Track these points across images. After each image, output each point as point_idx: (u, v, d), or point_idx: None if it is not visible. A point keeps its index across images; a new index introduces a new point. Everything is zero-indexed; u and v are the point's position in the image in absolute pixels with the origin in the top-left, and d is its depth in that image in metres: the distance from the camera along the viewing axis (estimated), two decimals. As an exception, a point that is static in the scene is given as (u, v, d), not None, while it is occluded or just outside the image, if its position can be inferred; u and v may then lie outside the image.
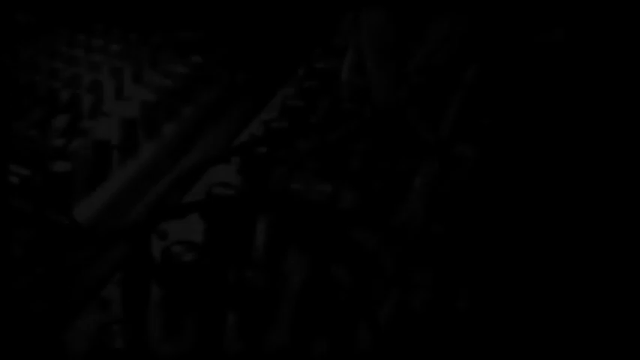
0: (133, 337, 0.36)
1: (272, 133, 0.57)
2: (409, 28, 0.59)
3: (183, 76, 0.71)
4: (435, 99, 0.50)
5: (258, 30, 0.81)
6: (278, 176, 0.43)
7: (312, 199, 0.46)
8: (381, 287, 0.42)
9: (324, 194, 0.48)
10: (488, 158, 0.37)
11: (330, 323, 0.39)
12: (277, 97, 0.68)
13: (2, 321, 0.33)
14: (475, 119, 0.46)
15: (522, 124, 0.47)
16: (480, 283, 0.40)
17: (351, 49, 0.63)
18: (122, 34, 0.77)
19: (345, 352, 0.39)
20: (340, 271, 0.41)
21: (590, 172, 0.55)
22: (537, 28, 0.52)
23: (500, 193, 0.43)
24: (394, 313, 0.40)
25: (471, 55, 0.48)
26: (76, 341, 0.38)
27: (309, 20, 0.77)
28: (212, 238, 0.48)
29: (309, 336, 0.39)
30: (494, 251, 0.43)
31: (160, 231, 0.48)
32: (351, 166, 0.57)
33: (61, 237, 0.50)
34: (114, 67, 0.70)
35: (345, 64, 0.64)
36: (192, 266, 0.42)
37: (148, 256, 0.41)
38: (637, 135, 0.55)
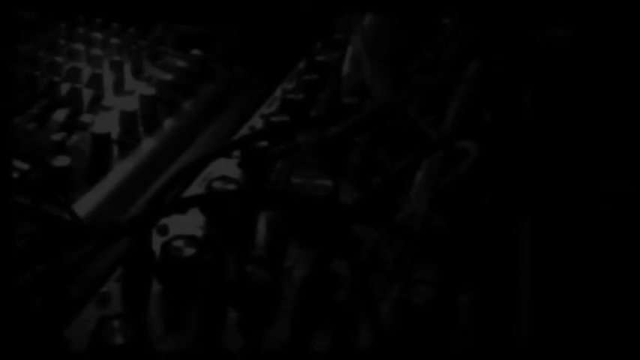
0: (133, 333, 0.36)
1: (272, 126, 0.57)
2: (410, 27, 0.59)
3: (183, 70, 0.71)
4: (437, 94, 0.50)
5: (258, 23, 0.81)
6: (279, 170, 0.43)
7: (313, 193, 0.46)
8: (382, 283, 0.42)
9: (325, 189, 0.48)
10: (491, 154, 0.37)
11: (331, 319, 0.39)
12: (277, 91, 0.68)
13: (2, 317, 0.33)
14: (477, 115, 0.46)
15: (525, 120, 0.47)
16: (483, 279, 0.40)
17: (352, 42, 0.63)
18: (122, 28, 0.76)
19: (346, 348, 0.39)
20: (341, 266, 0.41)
21: (592, 166, 0.55)
22: (542, 25, 0.52)
23: (503, 188, 0.43)
24: (396, 309, 0.40)
25: (475, 51, 0.48)
26: (76, 337, 0.37)
27: (309, 14, 0.77)
28: (212, 233, 0.48)
29: (311, 332, 0.39)
30: (496, 247, 0.43)
31: (160, 226, 0.48)
32: (352, 161, 0.57)
33: (60, 232, 0.50)
34: (114, 61, 0.70)
35: (346, 57, 0.63)
36: (193, 261, 0.42)
37: (148, 252, 0.40)
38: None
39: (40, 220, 0.50)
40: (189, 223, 0.49)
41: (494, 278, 0.44)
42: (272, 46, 0.79)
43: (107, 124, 0.61)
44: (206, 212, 0.49)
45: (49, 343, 0.35)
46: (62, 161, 0.54)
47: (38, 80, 0.66)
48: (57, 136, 0.58)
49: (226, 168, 0.55)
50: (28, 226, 0.49)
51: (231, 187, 0.48)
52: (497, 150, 0.43)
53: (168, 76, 0.69)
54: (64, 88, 0.65)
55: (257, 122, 0.63)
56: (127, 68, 0.72)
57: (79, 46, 0.72)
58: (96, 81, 0.67)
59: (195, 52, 0.74)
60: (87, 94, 0.66)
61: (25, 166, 0.54)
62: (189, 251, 0.42)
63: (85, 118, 0.62)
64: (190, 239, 0.43)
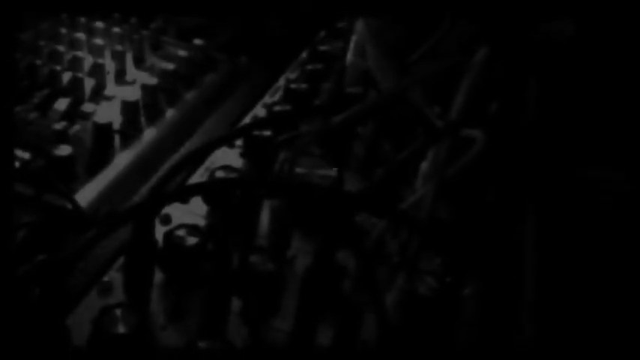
0: (135, 322, 0.36)
1: (275, 116, 0.57)
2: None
3: (186, 60, 0.71)
4: (443, 83, 0.50)
5: (261, 12, 0.80)
6: (282, 160, 0.42)
7: (316, 183, 0.46)
8: (387, 274, 0.42)
9: (328, 179, 0.48)
10: (497, 143, 0.37)
11: (335, 309, 0.39)
12: (280, 81, 0.68)
13: (4, 307, 0.33)
14: (483, 103, 0.45)
15: (532, 109, 0.46)
16: (488, 270, 0.39)
17: (355, 31, 0.62)
18: (123, 17, 0.76)
19: (350, 339, 0.39)
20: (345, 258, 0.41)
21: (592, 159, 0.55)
22: (547, 17, 0.52)
23: (509, 178, 0.42)
24: (401, 300, 0.39)
25: (480, 40, 0.47)
26: (79, 326, 0.37)
27: (312, 3, 0.76)
28: (215, 222, 0.47)
29: (314, 322, 0.39)
30: (502, 237, 0.42)
31: (163, 215, 0.48)
32: (356, 151, 0.57)
33: (62, 222, 0.50)
34: (115, 51, 0.69)
35: (349, 47, 0.63)
36: (196, 250, 0.42)
37: (151, 240, 0.40)
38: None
39: (42, 210, 0.49)
40: (192, 213, 0.49)
41: (499, 269, 0.44)
42: (274, 35, 0.78)
43: (109, 113, 0.61)
44: (209, 201, 0.48)
45: (51, 332, 0.35)
46: (64, 150, 0.54)
47: (39, 69, 0.65)
48: (58, 126, 0.58)
49: (229, 158, 0.55)
50: (29, 216, 0.49)
51: (234, 176, 0.48)
52: (504, 140, 0.42)
53: (170, 66, 0.69)
54: (66, 77, 0.65)
55: (260, 112, 0.62)
56: (129, 58, 0.71)
57: (81, 36, 0.71)
58: (98, 70, 0.67)
59: (198, 41, 0.74)
60: (88, 83, 0.66)
61: (26, 156, 0.54)
62: (192, 240, 0.41)
63: (87, 107, 0.62)
64: (193, 228, 0.42)
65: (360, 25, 0.60)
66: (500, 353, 0.41)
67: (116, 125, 0.60)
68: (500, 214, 0.46)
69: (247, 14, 0.79)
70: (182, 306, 0.42)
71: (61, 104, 0.62)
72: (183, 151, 0.60)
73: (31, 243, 0.47)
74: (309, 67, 0.65)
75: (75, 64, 0.67)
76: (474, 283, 0.42)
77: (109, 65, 0.68)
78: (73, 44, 0.71)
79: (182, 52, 0.71)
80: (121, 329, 0.36)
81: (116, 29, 0.74)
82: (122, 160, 0.57)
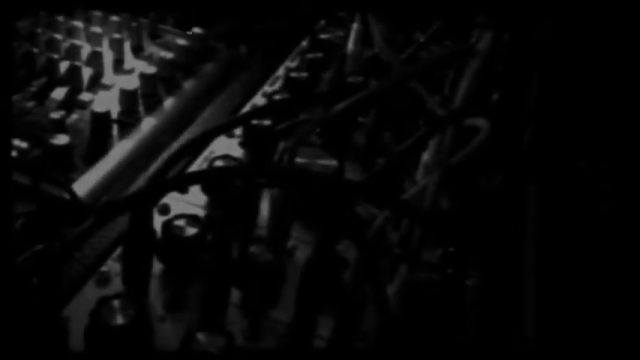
0: (133, 312, 0.36)
1: (275, 105, 0.56)
2: None
3: (184, 48, 0.70)
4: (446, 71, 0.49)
5: (261, 13, 0.79)
6: (282, 150, 0.42)
7: (317, 173, 0.45)
8: (388, 265, 0.41)
9: (329, 169, 0.47)
10: (501, 132, 0.36)
11: (335, 301, 0.38)
12: (280, 70, 0.67)
13: (1, 297, 0.32)
14: (487, 92, 0.45)
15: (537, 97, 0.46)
16: (490, 261, 0.39)
17: (356, 20, 0.61)
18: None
19: (350, 331, 0.38)
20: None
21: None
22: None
23: (513, 168, 0.42)
24: (402, 291, 0.39)
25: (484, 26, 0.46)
26: (76, 317, 0.37)
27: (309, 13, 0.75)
28: (214, 212, 0.47)
29: (314, 313, 0.38)
30: (505, 228, 0.42)
31: (162, 205, 0.47)
32: (357, 140, 0.56)
33: (59, 211, 0.49)
34: (114, 39, 0.69)
35: (350, 35, 0.62)
36: (195, 241, 0.41)
37: (149, 230, 0.39)
38: None
39: (39, 200, 0.49)
40: (191, 203, 0.48)
41: (500, 261, 0.43)
42: (274, 24, 0.78)
43: (107, 102, 0.60)
44: (208, 191, 0.48)
45: (48, 322, 0.34)
46: (61, 140, 0.53)
47: (37, 58, 0.65)
48: (56, 115, 0.57)
49: (228, 147, 0.54)
50: (26, 205, 0.48)
51: (233, 165, 0.47)
52: (507, 128, 0.42)
53: (169, 55, 0.68)
54: (64, 65, 0.64)
55: (259, 101, 0.62)
56: (127, 46, 0.70)
57: (79, 24, 0.71)
58: (95, 59, 0.66)
59: (197, 30, 0.73)
60: (86, 72, 0.65)
61: (23, 145, 0.53)
62: (191, 231, 0.41)
63: (85, 96, 0.61)
64: (192, 218, 0.42)
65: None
66: (500, 346, 0.40)
67: (114, 114, 0.60)
68: (501, 204, 0.46)
69: (246, 14, 0.78)
70: (181, 297, 0.41)
71: (59, 93, 0.61)
72: (181, 140, 0.60)
73: (28, 233, 0.46)
74: (310, 55, 0.64)
75: (73, 52, 0.66)
76: (476, 274, 0.42)
77: (107, 54, 0.68)
78: (71, 32, 0.70)
79: (181, 41, 0.70)
80: (119, 320, 0.35)
81: (114, 17, 0.73)
82: (120, 149, 0.57)
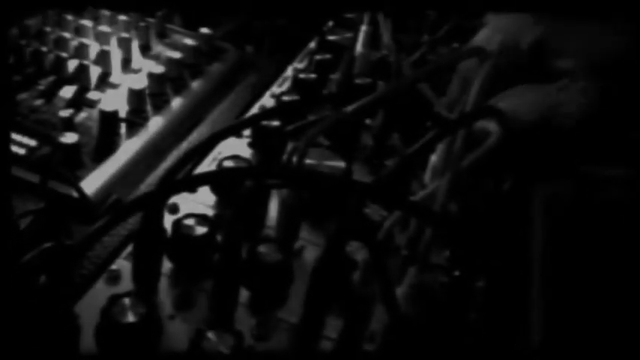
0: (143, 311, 0.36)
1: (283, 106, 0.56)
2: None
3: (192, 48, 0.70)
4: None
5: (269, 2, 0.79)
6: (292, 151, 0.42)
7: (326, 173, 0.45)
8: (397, 267, 0.42)
9: (337, 170, 0.48)
10: (513, 135, 0.36)
11: (343, 302, 0.39)
12: (288, 71, 0.67)
13: (12, 294, 0.33)
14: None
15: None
16: (499, 264, 0.39)
17: (365, 21, 0.62)
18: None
19: (358, 332, 0.38)
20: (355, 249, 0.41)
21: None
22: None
23: (524, 171, 0.42)
24: (411, 293, 0.39)
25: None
26: (86, 314, 0.37)
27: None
28: (224, 212, 0.47)
29: (323, 314, 0.39)
30: (514, 230, 0.42)
31: (171, 204, 0.47)
32: (365, 142, 0.56)
33: (67, 209, 0.49)
34: (122, 38, 0.69)
35: (358, 37, 0.62)
36: (204, 241, 0.41)
37: (159, 230, 0.40)
38: None
39: (47, 197, 0.49)
40: (200, 203, 0.49)
41: (507, 266, 0.43)
42: (282, 24, 0.78)
43: (115, 101, 0.60)
44: (217, 191, 0.48)
45: (59, 319, 0.34)
46: (70, 138, 0.53)
47: (45, 56, 0.65)
48: (64, 113, 0.57)
49: (236, 148, 0.54)
50: (34, 203, 0.48)
51: (242, 165, 0.47)
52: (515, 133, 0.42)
53: (177, 55, 0.68)
54: (72, 64, 0.64)
55: (268, 102, 0.62)
56: (135, 46, 0.71)
57: (87, 22, 0.71)
58: (104, 58, 0.66)
59: (204, 30, 0.73)
60: (94, 71, 0.65)
61: (32, 143, 0.54)
62: (201, 230, 0.41)
63: (93, 95, 0.61)
64: (202, 218, 0.42)
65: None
66: (506, 350, 0.40)
67: (122, 113, 0.60)
68: (508, 207, 0.46)
69: (254, 14, 0.78)
70: (190, 296, 0.41)
71: (67, 92, 0.61)
72: (189, 139, 0.60)
73: (37, 230, 0.47)
74: (318, 57, 0.65)
75: (81, 51, 0.66)
76: (483, 277, 0.42)
77: (115, 53, 0.68)
78: (80, 31, 0.70)
79: (188, 41, 0.71)
80: (129, 318, 0.35)
81: (122, 16, 0.73)
82: (128, 148, 0.57)
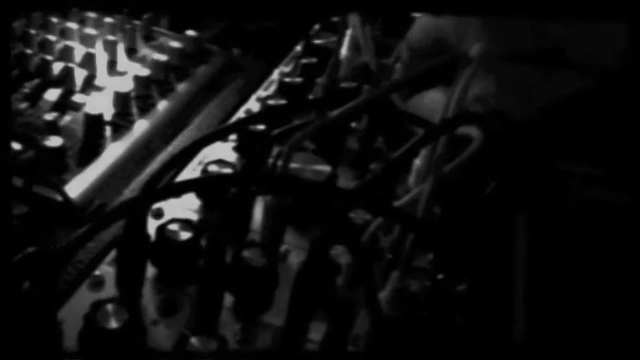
0: (127, 316, 0.36)
1: (269, 110, 0.56)
2: None
3: (178, 51, 0.70)
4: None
5: (254, 5, 0.79)
6: (276, 155, 0.42)
7: (310, 179, 0.45)
8: (380, 271, 0.42)
9: (322, 174, 0.48)
10: (495, 139, 0.37)
11: (328, 305, 0.39)
12: (274, 74, 0.67)
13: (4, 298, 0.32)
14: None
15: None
16: (482, 268, 0.39)
17: (351, 25, 0.62)
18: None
19: (342, 335, 0.39)
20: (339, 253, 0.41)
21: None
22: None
23: (506, 175, 0.42)
24: (393, 297, 0.39)
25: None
26: (69, 320, 0.37)
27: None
28: (208, 216, 0.47)
29: (307, 318, 0.39)
30: (497, 235, 0.42)
31: (155, 209, 0.47)
32: (350, 146, 0.56)
33: (52, 213, 0.49)
34: (107, 41, 0.69)
35: (344, 41, 0.62)
36: (188, 245, 0.41)
37: (143, 235, 0.40)
38: None
39: (31, 201, 0.49)
40: (184, 207, 0.49)
41: (490, 269, 0.44)
42: (268, 28, 0.78)
43: (100, 104, 0.60)
44: (202, 196, 0.48)
45: (42, 326, 0.34)
46: (54, 141, 0.53)
47: (30, 58, 0.65)
48: (49, 116, 0.57)
49: (222, 152, 0.54)
50: (18, 207, 0.48)
51: (227, 171, 0.47)
52: (499, 137, 0.42)
53: (163, 57, 0.68)
54: (57, 67, 0.64)
55: (254, 105, 0.62)
56: (121, 48, 0.70)
57: (72, 25, 0.70)
58: (89, 61, 0.66)
59: (191, 33, 0.73)
60: (80, 73, 0.65)
61: (16, 146, 0.53)
62: (185, 235, 0.41)
63: (78, 98, 0.61)
64: (186, 223, 0.42)
65: (354, 19, 0.60)
66: (489, 353, 0.41)
67: (107, 116, 0.60)
68: (493, 211, 0.46)
69: (240, 17, 0.78)
70: (174, 301, 0.41)
71: (52, 94, 0.61)
72: (175, 143, 0.60)
73: (20, 235, 0.46)
74: (304, 60, 0.65)
75: (66, 53, 0.66)
76: (466, 280, 0.42)
77: (101, 55, 0.68)
78: (65, 33, 0.70)
79: (175, 44, 0.71)
80: (113, 324, 0.35)
81: (108, 19, 0.73)
82: (113, 151, 0.57)
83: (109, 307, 0.36)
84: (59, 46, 0.67)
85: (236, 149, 0.55)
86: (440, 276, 0.41)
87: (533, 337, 0.39)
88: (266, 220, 0.45)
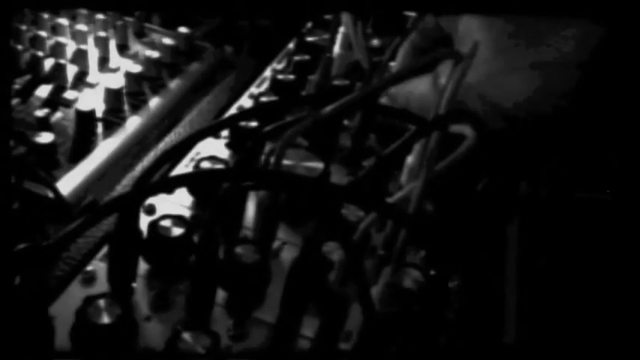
0: (119, 312, 0.36)
1: (261, 107, 0.56)
2: None
3: (170, 47, 0.70)
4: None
5: (247, 2, 0.79)
6: (270, 152, 0.42)
7: (303, 175, 0.45)
8: (372, 267, 0.42)
9: (315, 171, 0.48)
10: (488, 137, 0.37)
11: (320, 301, 0.39)
12: (267, 71, 0.67)
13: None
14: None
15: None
16: (474, 264, 0.40)
17: (343, 23, 0.62)
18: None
19: (335, 331, 0.39)
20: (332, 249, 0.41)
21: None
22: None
23: (499, 173, 0.42)
24: (386, 293, 0.39)
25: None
26: (61, 316, 0.37)
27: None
28: (201, 213, 0.47)
29: (299, 314, 0.39)
30: (489, 231, 0.43)
31: (148, 205, 0.47)
32: (343, 143, 0.56)
33: (43, 210, 0.49)
34: (99, 37, 0.68)
35: (336, 38, 0.62)
36: (181, 241, 0.41)
37: (135, 231, 0.39)
38: None
39: (23, 198, 0.49)
40: (177, 203, 0.48)
41: (483, 266, 0.44)
42: (261, 25, 0.78)
43: (92, 101, 0.60)
44: (194, 192, 0.48)
45: (34, 322, 0.34)
46: (45, 138, 0.53)
47: (21, 55, 0.64)
48: (40, 113, 0.57)
49: (215, 148, 0.54)
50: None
51: (219, 167, 0.47)
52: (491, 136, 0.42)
53: (155, 54, 0.68)
54: (48, 63, 0.64)
55: (246, 102, 0.62)
56: (113, 44, 0.70)
57: (64, 21, 0.70)
58: (81, 57, 0.66)
59: (183, 29, 0.73)
60: (71, 70, 0.65)
61: (7, 142, 0.53)
62: (178, 231, 0.41)
63: (69, 94, 0.61)
64: (178, 219, 0.42)
65: (346, 16, 0.60)
66: (480, 351, 0.41)
67: (99, 113, 0.59)
68: (485, 208, 0.47)
69: (233, 14, 0.78)
70: (166, 297, 0.41)
71: (43, 91, 0.61)
72: (167, 140, 0.60)
73: (11, 232, 0.46)
74: (297, 58, 0.65)
75: (57, 50, 0.66)
76: (458, 277, 0.42)
77: (92, 52, 0.67)
78: (56, 30, 0.70)
79: (167, 40, 0.70)
80: (105, 319, 0.35)
81: (100, 15, 0.73)
82: (105, 148, 0.57)
83: (101, 302, 0.36)
84: (50, 42, 0.67)
85: (228, 146, 0.55)
86: (432, 272, 0.41)
87: (525, 333, 0.39)
88: (258, 217, 0.45)
